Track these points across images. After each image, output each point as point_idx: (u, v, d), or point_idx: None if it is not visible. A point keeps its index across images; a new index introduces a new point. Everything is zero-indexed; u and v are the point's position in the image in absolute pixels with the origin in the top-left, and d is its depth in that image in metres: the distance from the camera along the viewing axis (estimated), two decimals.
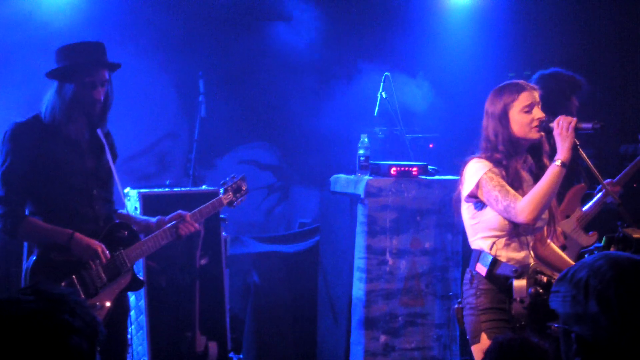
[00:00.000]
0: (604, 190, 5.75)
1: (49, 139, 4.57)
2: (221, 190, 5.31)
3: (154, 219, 4.99)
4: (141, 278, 5.01)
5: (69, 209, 4.61)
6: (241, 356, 7.17)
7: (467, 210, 4.53)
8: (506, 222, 4.36)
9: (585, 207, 5.92)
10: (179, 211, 5.01)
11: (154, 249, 4.94)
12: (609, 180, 5.90)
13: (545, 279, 4.25)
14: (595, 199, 5.92)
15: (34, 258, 4.53)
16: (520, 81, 4.51)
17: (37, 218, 4.58)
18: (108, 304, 4.65)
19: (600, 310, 2.16)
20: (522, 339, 2.98)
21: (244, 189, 5.40)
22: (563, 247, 5.70)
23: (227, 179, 5.38)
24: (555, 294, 2.31)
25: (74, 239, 4.52)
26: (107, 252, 4.63)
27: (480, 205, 4.43)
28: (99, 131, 4.74)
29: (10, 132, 4.56)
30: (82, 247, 4.54)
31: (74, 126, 4.61)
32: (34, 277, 4.50)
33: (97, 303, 4.60)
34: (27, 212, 4.59)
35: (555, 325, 2.32)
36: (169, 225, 4.92)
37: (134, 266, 4.86)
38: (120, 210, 4.99)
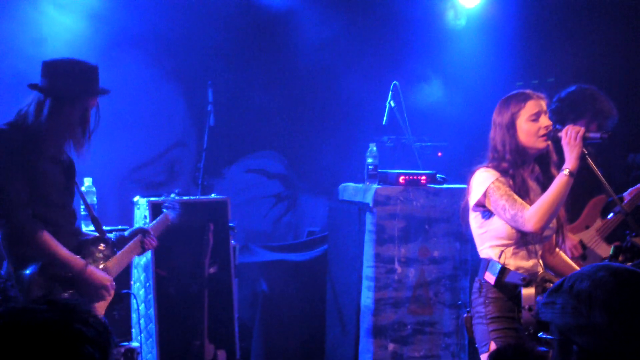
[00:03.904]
0: (625, 201, 5.75)
1: (30, 149, 4.43)
2: (164, 210, 5.47)
3: (113, 237, 4.96)
4: (122, 292, 5.04)
5: (53, 223, 4.51)
6: None
7: (475, 219, 4.54)
8: (514, 231, 4.37)
9: (607, 218, 5.92)
10: (140, 226, 5.15)
11: (127, 263, 5.03)
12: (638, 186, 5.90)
13: None
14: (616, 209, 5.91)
15: (35, 270, 4.40)
16: (527, 90, 4.53)
17: None
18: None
19: (606, 321, 2.15)
20: (517, 344, 2.98)
21: (177, 207, 5.56)
22: (583, 257, 5.71)
23: (163, 198, 5.77)
24: (551, 305, 2.29)
25: (87, 271, 4.50)
26: (114, 284, 4.65)
27: (487, 214, 4.44)
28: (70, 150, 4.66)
29: None
30: (94, 282, 4.52)
31: (57, 143, 4.54)
32: (32, 290, 4.41)
33: None
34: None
35: (549, 337, 2.32)
36: (136, 239, 4.96)
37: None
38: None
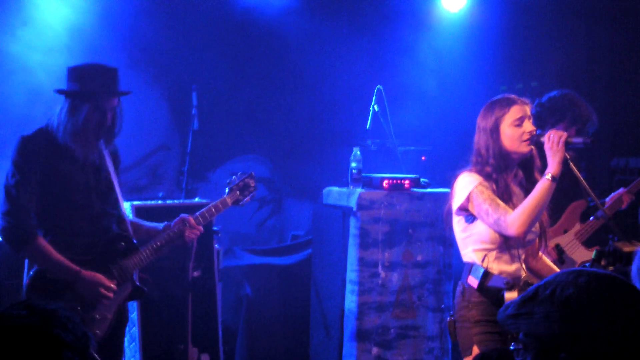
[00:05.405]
0: (606, 206, 5.78)
1: (54, 154, 4.60)
2: (226, 190, 5.29)
3: (161, 225, 5.01)
4: (142, 287, 5.03)
5: (69, 224, 4.65)
6: None
7: (458, 224, 4.55)
8: (497, 235, 4.38)
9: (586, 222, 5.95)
10: (182, 215, 5.02)
11: (153, 257, 4.96)
12: (622, 189, 5.94)
13: None
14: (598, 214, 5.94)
15: (32, 273, 4.56)
16: (512, 95, 4.54)
17: (40, 230, 4.61)
18: (109, 315, 4.70)
19: (599, 326, 2.13)
20: (502, 349, 2.97)
21: (252, 185, 5.37)
22: (561, 261, 5.72)
23: (234, 177, 5.33)
24: (527, 316, 2.24)
25: (80, 278, 4.57)
26: (113, 286, 4.67)
27: (471, 218, 4.45)
28: (104, 149, 4.78)
29: (20, 145, 4.57)
30: (87, 288, 4.59)
31: (80, 145, 4.64)
32: (31, 292, 4.52)
33: (97, 316, 4.63)
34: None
35: (517, 346, 2.28)
36: (168, 232, 4.95)
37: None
38: (130, 219, 5.02)
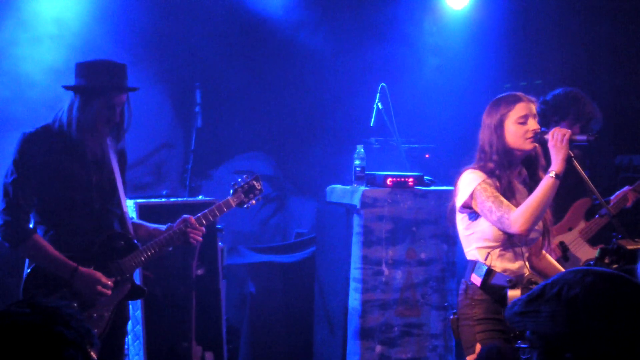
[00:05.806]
0: (611, 204, 5.78)
1: (58, 151, 4.59)
2: (230, 191, 5.25)
3: (164, 227, 4.99)
4: (143, 287, 5.01)
5: (69, 222, 4.63)
6: None
7: (461, 221, 4.55)
8: (500, 233, 4.38)
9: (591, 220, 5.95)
10: (184, 216, 4.97)
11: (153, 257, 4.89)
12: (627, 187, 5.94)
13: None
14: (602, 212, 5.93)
15: (29, 271, 4.57)
16: (518, 93, 4.54)
17: (40, 228, 4.61)
18: (107, 314, 4.67)
19: (606, 327, 2.13)
20: (499, 347, 2.97)
21: (258, 188, 5.31)
22: (565, 259, 5.72)
23: (239, 179, 5.30)
24: (534, 314, 2.23)
25: (77, 275, 4.54)
26: (110, 284, 4.65)
27: (474, 215, 4.45)
28: (110, 148, 4.77)
29: (21, 143, 4.56)
30: (85, 285, 4.56)
31: (86, 141, 4.64)
32: (28, 290, 4.54)
33: (95, 314, 4.62)
34: (32, 224, 4.62)
35: (525, 345, 2.27)
36: (169, 232, 4.92)
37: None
38: (132, 220, 5.01)
